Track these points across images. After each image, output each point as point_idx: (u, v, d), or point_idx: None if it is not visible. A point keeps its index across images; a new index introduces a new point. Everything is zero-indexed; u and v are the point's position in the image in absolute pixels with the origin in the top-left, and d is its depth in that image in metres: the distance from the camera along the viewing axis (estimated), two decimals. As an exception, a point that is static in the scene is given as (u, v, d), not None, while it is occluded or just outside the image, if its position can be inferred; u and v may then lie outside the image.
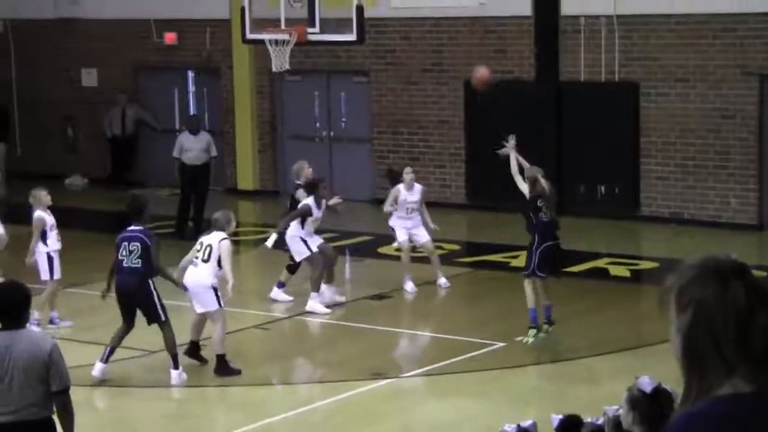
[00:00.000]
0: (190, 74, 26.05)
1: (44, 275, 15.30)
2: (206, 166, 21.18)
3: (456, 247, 19.89)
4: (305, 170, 17.05)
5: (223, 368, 13.60)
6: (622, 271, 18.16)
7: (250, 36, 18.55)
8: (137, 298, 13.40)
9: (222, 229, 13.78)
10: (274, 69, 18.64)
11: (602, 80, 21.57)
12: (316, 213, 16.33)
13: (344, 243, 20.07)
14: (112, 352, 13.47)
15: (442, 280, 17.23)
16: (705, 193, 20.96)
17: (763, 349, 3.02)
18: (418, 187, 17.32)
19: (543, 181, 14.46)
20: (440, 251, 19.05)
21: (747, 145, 20.58)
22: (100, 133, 26.53)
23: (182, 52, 25.55)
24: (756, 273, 3.12)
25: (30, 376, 7.92)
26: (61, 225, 15.84)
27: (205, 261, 13.58)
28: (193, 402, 13.56)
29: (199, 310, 13.71)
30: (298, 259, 16.36)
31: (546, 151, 21.77)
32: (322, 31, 18.03)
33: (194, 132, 21.43)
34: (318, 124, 24.61)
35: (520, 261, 18.39)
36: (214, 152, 21.36)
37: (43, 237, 15.31)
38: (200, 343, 14.01)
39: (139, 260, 13.31)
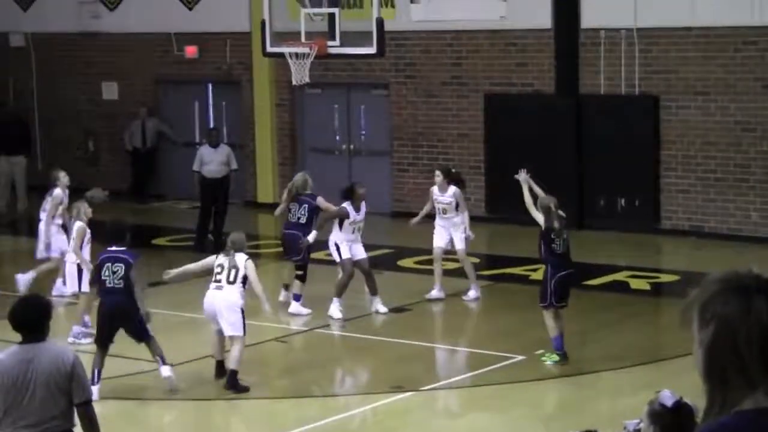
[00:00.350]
0: (211, 87, 26.11)
1: (72, 286, 15.49)
2: (226, 179, 21.21)
3: (476, 259, 19.83)
4: (309, 181, 17.12)
5: (234, 384, 13.54)
6: (643, 285, 18.11)
7: (270, 49, 18.59)
8: (121, 319, 13.29)
9: (242, 250, 13.74)
10: (294, 82, 18.68)
11: (622, 93, 21.54)
12: (354, 215, 16.45)
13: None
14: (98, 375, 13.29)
15: (471, 293, 17.26)
16: (725, 206, 20.90)
17: (785, 364, 3.00)
18: (451, 188, 17.34)
19: (555, 212, 14.30)
20: (460, 264, 19.05)
21: (768, 158, 20.54)
22: (121, 147, 26.62)
23: (203, 66, 25.63)
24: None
25: (53, 389, 7.92)
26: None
27: (231, 283, 13.54)
28: (211, 414, 13.56)
29: (229, 332, 13.61)
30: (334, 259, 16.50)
31: (566, 164, 21.78)
32: (342, 44, 18.06)
33: (214, 145, 21.48)
34: (338, 137, 24.64)
35: (538, 274, 18.37)
36: (234, 165, 21.40)
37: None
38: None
39: (121, 281, 13.25)
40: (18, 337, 8.11)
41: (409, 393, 13.65)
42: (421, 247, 18.77)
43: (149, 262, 18.19)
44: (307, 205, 16.83)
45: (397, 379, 14.01)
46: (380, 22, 17.70)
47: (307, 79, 18.33)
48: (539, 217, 14.35)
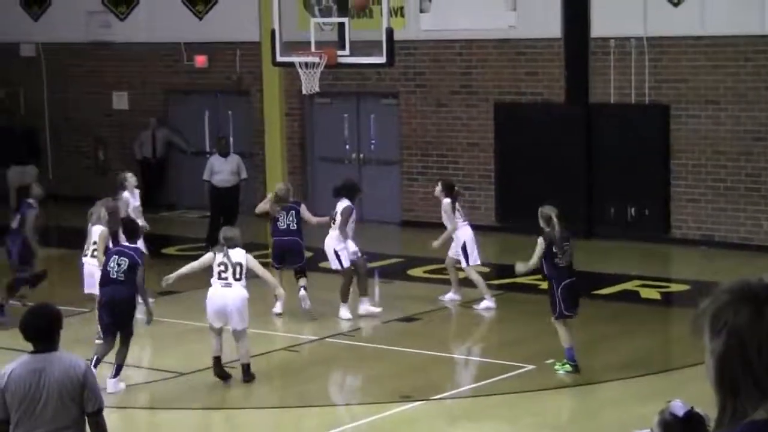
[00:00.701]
0: (220, 97, 26.15)
1: (90, 287, 15.58)
2: (236, 189, 21.24)
3: (486, 269, 19.85)
4: (291, 189, 18.02)
5: (250, 375, 14.05)
6: (653, 294, 18.08)
7: (280, 59, 18.62)
8: (118, 309, 13.73)
9: (236, 246, 14.08)
10: (303, 91, 18.70)
11: (632, 102, 21.53)
12: (354, 215, 17.15)
13: (374, 265, 20.08)
14: (98, 361, 13.62)
15: (483, 303, 17.35)
16: (736, 215, 20.86)
17: (797, 374, 3.00)
18: (444, 201, 17.54)
19: (557, 222, 14.21)
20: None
21: (778, 167, 20.50)
22: (131, 156, 26.66)
23: (213, 75, 25.67)
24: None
25: (65, 399, 7.91)
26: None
27: (238, 279, 13.91)
28: (220, 423, 13.56)
29: (238, 326, 13.92)
30: (333, 266, 16.89)
31: (576, 173, 21.77)
32: (351, 54, 18.08)
33: (224, 154, 21.50)
34: (347, 146, 24.65)
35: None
36: (244, 174, 21.42)
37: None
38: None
39: (124, 275, 13.76)
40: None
41: (419, 402, 13.64)
42: (431, 256, 18.76)
43: (160, 271, 18.21)
44: (294, 212, 17.32)
45: (407, 389, 13.99)
46: (390, 32, 17.72)
47: (316, 89, 18.35)
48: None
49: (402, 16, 22.94)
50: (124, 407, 13.34)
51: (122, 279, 13.77)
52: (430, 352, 15.92)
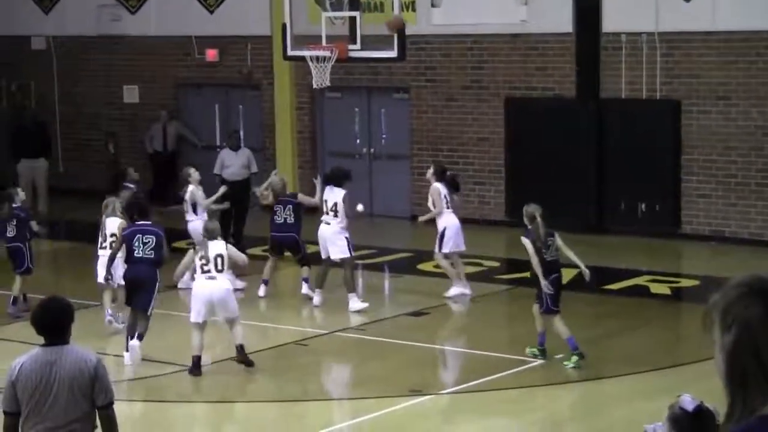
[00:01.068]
0: (231, 91, 26.15)
1: (120, 279, 15.77)
2: (246, 182, 21.25)
3: (495, 264, 19.87)
4: (286, 181, 18.56)
5: (245, 356, 14.33)
6: (663, 289, 18.07)
7: (291, 53, 18.64)
8: (145, 285, 14.50)
9: (215, 238, 14.33)
10: (314, 85, 18.73)
11: (643, 98, 21.50)
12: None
13: (383, 259, 20.10)
14: (141, 336, 14.53)
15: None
16: (746, 210, 20.83)
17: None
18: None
19: (539, 222, 14.25)
20: (479, 268, 19.07)
21: (789, 163, 20.46)
22: (141, 150, 26.69)
23: (223, 69, 25.68)
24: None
25: (75, 392, 7.91)
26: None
27: (220, 271, 14.17)
28: (230, 417, 13.58)
29: (228, 316, 14.29)
30: (337, 256, 17.00)
31: (587, 169, 21.75)
32: (363, 48, 18.09)
33: (235, 148, 21.51)
34: (358, 141, 24.65)
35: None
36: (254, 168, 21.44)
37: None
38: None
39: (152, 252, 14.56)
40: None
41: (427, 396, 13.65)
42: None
43: (170, 265, 18.25)
44: (291, 205, 17.67)
45: (416, 383, 14.01)
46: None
47: (327, 83, 18.36)
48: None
49: (413, 10, 22.93)
50: (132, 400, 13.37)
51: (149, 257, 14.55)
52: (439, 347, 15.95)
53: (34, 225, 16.94)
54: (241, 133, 24.98)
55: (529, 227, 14.37)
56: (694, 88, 21.08)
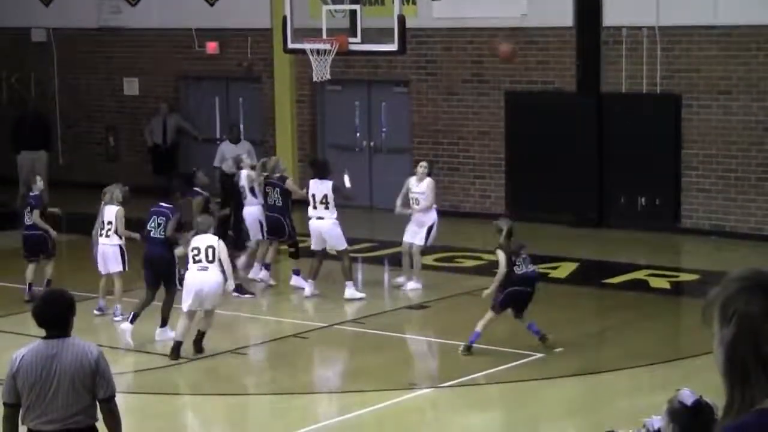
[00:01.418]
0: (231, 83, 26.14)
1: (116, 266, 16.00)
2: (246, 175, 21.22)
3: (495, 258, 19.84)
4: (281, 164, 18.47)
5: (200, 344, 14.57)
6: (663, 284, 18.07)
7: (291, 45, 18.62)
8: (161, 266, 15.03)
9: (206, 232, 14.55)
10: (314, 78, 18.71)
11: (644, 92, 21.49)
12: None
13: (382, 253, 20.09)
14: (135, 317, 15.00)
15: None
16: (746, 205, 20.83)
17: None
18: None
19: (505, 236, 14.37)
20: (480, 261, 19.06)
21: (790, 157, 20.46)
22: (141, 142, 26.68)
23: (224, 62, 25.66)
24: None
25: (76, 385, 7.91)
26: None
27: (211, 262, 14.35)
28: (229, 409, 13.58)
29: (208, 308, 14.47)
30: (336, 247, 17.14)
31: (587, 163, 21.75)
32: (363, 41, 18.07)
33: (235, 141, 21.51)
34: (358, 134, 24.64)
35: (559, 272, 18.39)
36: (254, 161, 21.39)
37: (117, 231, 16.05)
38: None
39: (163, 232, 15.14)
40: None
41: (426, 390, 13.66)
42: (440, 244, 18.77)
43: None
44: (278, 189, 17.80)
45: (415, 376, 14.00)
46: (402, 19, 17.71)
47: (328, 76, 18.35)
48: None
49: (414, 3, 22.92)
50: (134, 392, 13.38)
51: (161, 237, 15.10)
52: (438, 340, 15.95)
53: (35, 215, 17.07)
54: (241, 126, 25.01)
55: (501, 242, 14.36)
56: (694, 82, 21.07)
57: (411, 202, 17.56)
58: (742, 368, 3.02)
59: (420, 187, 17.49)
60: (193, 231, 14.67)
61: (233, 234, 20.70)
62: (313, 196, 17.20)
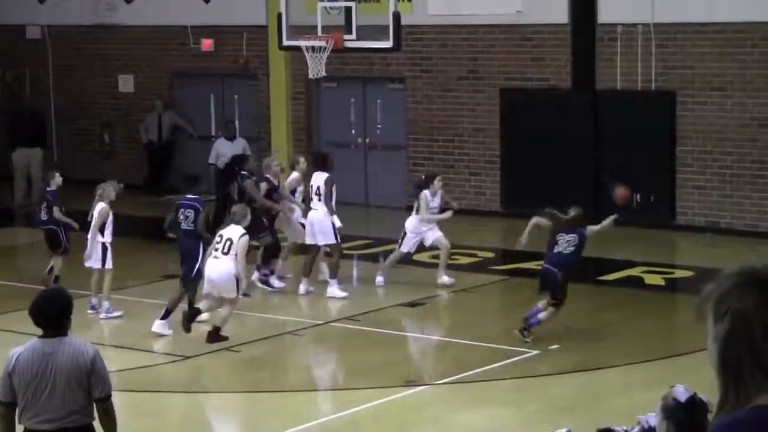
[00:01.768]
0: (227, 81, 26.13)
1: (97, 264, 15.96)
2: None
3: (490, 254, 19.88)
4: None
5: (215, 338, 14.64)
6: (657, 280, 18.09)
7: (286, 42, 18.62)
8: (186, 256, 15.33)
9: (239, 223, 14.73)
10: (310, 75, 18.71)
11: (639, 89, 21.50)
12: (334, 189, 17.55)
13: (378, 250, 20.10)
14: (168, 312, 15.11)
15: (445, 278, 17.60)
16: (741, 202, 20.85)
17: (800, 359, 3.01)
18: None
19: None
20: (475, 259, 19.09)
21: (784, 154, 20.48)
22: (137, 139, 26.67)
23: (219, 59, 25.65)
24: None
25: (73, 384, 7.91)
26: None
27: (225, 253, 14.49)
28: (226, 407, 13.59)
29: (227, 296, 14.62)
30: (325, 242, 17.06)
31: (582, 160, 21.76)
32: (358, 38, 18.07)
33: (230, 138, 21.50)
34: (353, 131, 24.65)
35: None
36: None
37: (101, 228, 15.99)
38: (200, 318, 14.86)
39: (193, 224, 15.34)
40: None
41: (424, 387, 13.67)
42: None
43: (166, 256, 18.27)
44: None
45: (412, 373, 14.02)
46: (397, 16, 17.71)
47: (323, 73, 18.34)
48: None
49: (409, 0, 22.92)
50: (130, 390, 13.38)
51: (191, 229, 15.31)
52: (435, 337, 15.96)
53: (56, 211, 17.06)
54: (237, 123, 25.00)
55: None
56: (689, 79, 21.09)
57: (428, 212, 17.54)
58: (736, 365, 3.03)
59: (435, 201, 17.55)
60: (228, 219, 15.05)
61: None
62: (311, 186, 17.28)
